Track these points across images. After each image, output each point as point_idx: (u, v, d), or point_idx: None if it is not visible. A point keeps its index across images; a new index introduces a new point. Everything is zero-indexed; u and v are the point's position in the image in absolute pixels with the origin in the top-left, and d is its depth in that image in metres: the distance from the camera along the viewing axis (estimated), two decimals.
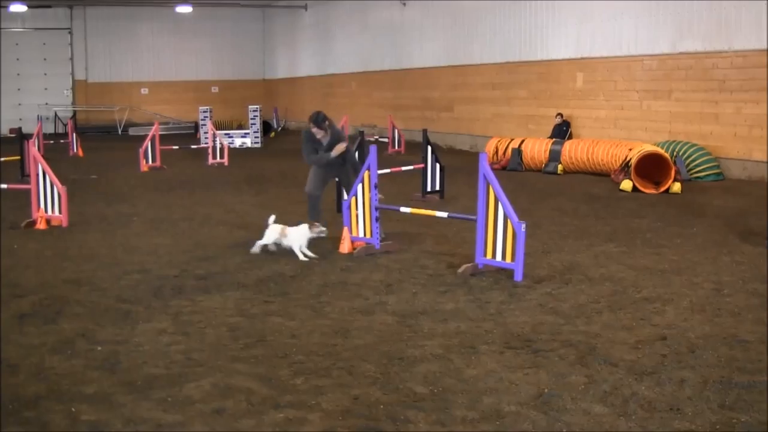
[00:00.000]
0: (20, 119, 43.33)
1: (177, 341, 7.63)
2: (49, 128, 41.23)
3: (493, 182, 9.54)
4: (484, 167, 9.59)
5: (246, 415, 5.91)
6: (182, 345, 7.51)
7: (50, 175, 13.91)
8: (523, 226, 9.45)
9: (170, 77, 46.87)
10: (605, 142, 20.99)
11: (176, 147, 27.27)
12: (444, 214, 11.29)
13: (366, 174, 11.11)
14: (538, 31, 25.61)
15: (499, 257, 9.75)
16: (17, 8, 42.96)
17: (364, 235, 11.30)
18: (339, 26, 39.21)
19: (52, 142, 31.73)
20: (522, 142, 22.38)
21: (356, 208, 11.32)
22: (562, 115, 24.10)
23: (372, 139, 25.33)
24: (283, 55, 46.70)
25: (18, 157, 21.17)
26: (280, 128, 42.42)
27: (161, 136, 25.02)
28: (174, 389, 6.41)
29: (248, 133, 32.91)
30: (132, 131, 42.67)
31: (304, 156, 12.70)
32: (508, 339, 7.56)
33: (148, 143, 23.97)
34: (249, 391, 6.34)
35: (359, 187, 11.23)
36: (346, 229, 11.43)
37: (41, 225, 13.87)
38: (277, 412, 5.94)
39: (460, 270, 10.06)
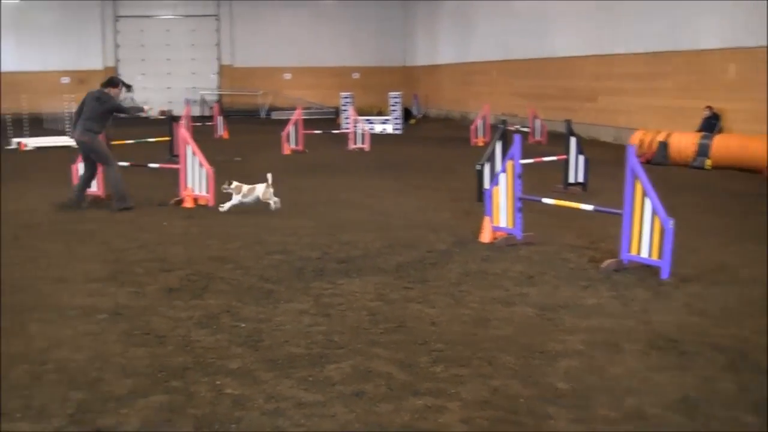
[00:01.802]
0: (169, 102, 44.52)
1: (318, 322, 7.74)
2: (196, 111, 42.04)
3: (641, 176, 9.37)
4: (632, 160, 9.43)
5: (385, 399, 5.95)
6: (323, 326, 7.61)
7: (199, 156, 14.24)
8: (672, 222, 9.24)
9: (312, 63, 47.35)
10: (760, 138, 20.21)
11: (319, 132, 27.56)
12: (589, 207, 11.12)
13: (510, 164, 11.05)
14: (686, 19, 24.93)
15: (644, 253, 9.52)
16: None
17: (507, 225, 11.23)
18: (480, 13, 38.88)
19: (199, 124, 32.40)
20: (668, 135, 21.92)
21: (498, 198, 11.25)
22: (711, 108, 23.44)
23: (513, 128, 25.17)
24: (424, 42, 46.66)
25: (168, 138, 21.71)
26: (420, 115, 42.45)
27: (303, 120, 25.29)
28: (315, 369, 6.50)
29: (389, 120, 33.04)
30: (275, 115, 43.23)
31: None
32: (653, 339, 7.34)
33: (290, 127, 24.32)
34: (388, 375, 6.38)
35: (502, 176, 11.17)
36: (487, 218, 11.38)
37: (188, 203, 14.24)
38: (416, 398, 5.96)
39: (603, 265, 9.87)
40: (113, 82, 14.51)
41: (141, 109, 15.32)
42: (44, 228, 12.79)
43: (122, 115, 15.30)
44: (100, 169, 14.72)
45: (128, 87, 14.74)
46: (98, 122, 14.21)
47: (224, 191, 14.08)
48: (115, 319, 7.88)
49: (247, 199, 14.04)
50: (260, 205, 14.11)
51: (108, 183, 14.48)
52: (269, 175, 14.15)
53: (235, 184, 14.06)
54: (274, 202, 14.10)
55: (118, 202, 14.11)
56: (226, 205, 13.93)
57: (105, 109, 14.20)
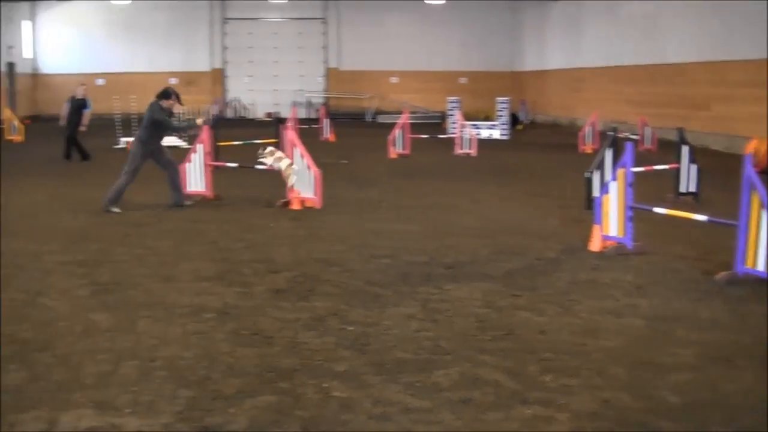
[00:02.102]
0: (275, 104, 44.96)
1: (425, 328, 7.67)
2: (302, 113, 42.37)
3: (759, 186, 9.11)
4: (749, 170, 9.18)
5: (493, 407, 5.85)
6: (430, 332, 7.54)
7: (307, 158, 14.30)
8: None
9: (419, 67, 47.32)
10: None
11: (425, 136, 27.52)
12: (703, 218, 10.83)
13: (621, 172, 10.85)
14: None
15: (761, 267, 9.24)
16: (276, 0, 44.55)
17: (617, 234, 11.03)
18: (589, 19, 38.38)
19: (305, 126, 32.61)
20: None
21: (608, 206, 11.06)
22: None
23: (622, 136, 24.81)
24: (531, 47, 46.25)
25: (275, 140, 21.86)
26: (528, 121, 42.15)
27: (409, 124, 25.26)
28: (422, 375, 6.43)
29: (496, 125, 32.86)
30: (381, 119, 43.35)
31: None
32: None
33: (397, 131, 24.32)
34: (496, 383, 6.29)
35: (613, 184, 10.98)
36: (596, 226, 11.20)
37: (296, 205, 14.30)
38: (524, 407, 5.85)
39: (716, 277, 9.59)
40: (166, 94, 14.60)
41: (192, 125, 15.27)
42: (153, 227, 12.98)
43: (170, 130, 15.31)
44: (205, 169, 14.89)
45: (179, 100, 14.76)
46: (145, 131, 14.46)
47: (260, 157, 14.92)
48: (223, 319, 7.93)
49: (276, 165, 14.74)
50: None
51: (117, 186, 14.60)
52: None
53: (269, 149, 15.06)
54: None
55: (108, 202, 14.38)
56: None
57: (150, 121, 14.34)
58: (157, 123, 14.33)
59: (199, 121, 14.78)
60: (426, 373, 6.47)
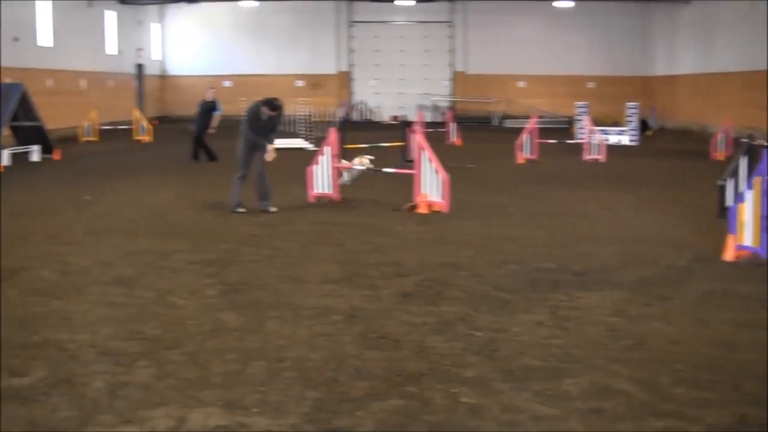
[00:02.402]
0: (401, 107, 45.06)
1: (555, 335, 7.56)
2: (429, 117, 42.33)
3: None
4: None
5: (624, 418, 5.72)
6: (560, 339, 7.43)
7: (434, 162, 14.26)
8: None
9: (546, 71, 46.83)
10: None
11: (553, 141, 27.23)
12: None
13: (758, 180, 10.54)
14: None
15: None
16: (404, 3, 44.61)
17: (752, 244, 10.71)
18: (723, 21, 37.36)
19: (431, 130, 32.58)
20: None
21: (744, 215, 10.75)
22: None
23: (757, 143, 24.16)
24: (661, 51, 45.38)
25: (401, 143, 21.92)
26: (657, 127, 41.39)
27: (537, 129, 25.01)
28: (551, 383, 6.33)
29: (625, 130, 32.36)
30: (507, 123, 43.12)
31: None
32: None
33: (525, 136, 24.13)
34: (627, 393, 6.14)
35: (749, 193, 10.67)
36: (730, 236, 10.89)
37: (423, 209, 14.27)
38: (656, 419, 5.70)
39: None
40: (273, 106, 14.44)
41: (262, 144, 15.25)
42: (280, 228, 13.10)
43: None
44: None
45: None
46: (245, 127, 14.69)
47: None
48: (350, 321, 7.94)
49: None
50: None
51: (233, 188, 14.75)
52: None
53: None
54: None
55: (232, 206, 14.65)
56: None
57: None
58: (248, 121, 14.51)
59: (270, 149, 14.69)
60: (555, 381, 6.37)
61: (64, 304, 8.65)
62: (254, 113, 14.44)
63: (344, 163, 15.51)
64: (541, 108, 43.89)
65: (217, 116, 24.01)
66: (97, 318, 8.13)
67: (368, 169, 15.91)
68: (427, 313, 8.23)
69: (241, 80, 46.00)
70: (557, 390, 6.20)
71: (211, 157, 23.84)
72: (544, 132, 28.67)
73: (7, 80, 27.27)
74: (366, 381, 6.34)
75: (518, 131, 25.74)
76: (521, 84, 47.20)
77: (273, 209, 14.57)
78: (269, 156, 14.50)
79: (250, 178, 14.59)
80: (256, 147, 14.51)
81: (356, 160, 15.91)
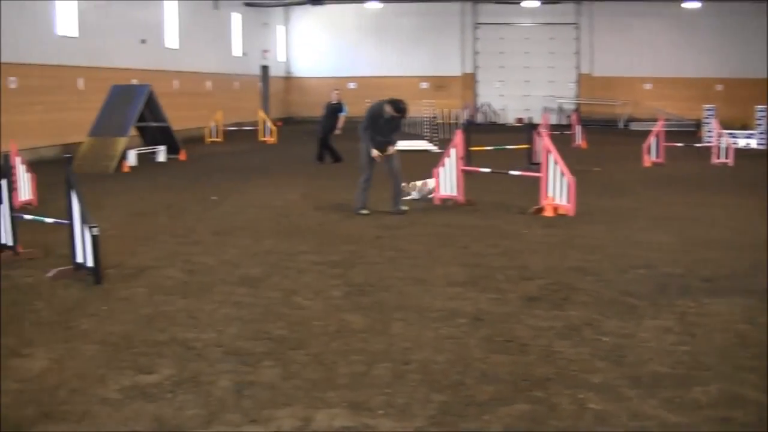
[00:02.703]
0: (527, 110, 44.75)
1: (683, 342, 7.41)
2: (553, 119, 41.98)
3: None
4: None
5: (755, 428, 5.61)
6: (688, 346, 7.28)
7: (561, 165, 14.12)
8: None
9: (673, 73, 45.93)
10: None
11: (680, 144, 26.70)
12: None
13: None
14: None
15: None
16: (529, 4, 44.32)
17: None
18: None
19: (556, 133, 32.29)
20: None
21: None
22: None
23: None
24: None
25: (526, 146, 21.79)
26: None
27: (663, 132, 24.54)
28: (680, 390, 6.22)
29: (753, 134, 31.56)
30: (633, 126, 42.51)
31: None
32: None
33: (651, 139, 23.73)
34: (758, 403, 5.99)
35: None
36: None
37: (549, 212, 14.16)
38: None
39: None
40: (397, 108, 14.48)
41: (368, 150, 15.13)
42: (405, 230, 13.14)
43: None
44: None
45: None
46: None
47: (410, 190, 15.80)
48: (476, 325, 7.92)
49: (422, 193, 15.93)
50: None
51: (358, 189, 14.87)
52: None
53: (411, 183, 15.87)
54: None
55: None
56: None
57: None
58: (370, 119, 14.53)
59: (374, 153, 14.68)
60: (684, 389, 6.25)
61: (191, 303, 8.82)
62: (377, 111, 14.48)
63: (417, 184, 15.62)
64: (667, 111, 43.10)
65: (342, 117, 24.20)
66: (223, 317, 8.27)
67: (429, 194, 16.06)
68: (554, 317, 8.16)
69: (365, 82, 46.30)
70: (686, 398, 6.08)
71: (336, 158, 24.03)
72: (670, 135, 28.15)
73: (134, 81, 27.99)
74: (492, 385, 6.32)
75: (644, 134, 25.35)
76: (647, 86, 46.39)
77: (404, 208, 14.66)
78: (390, 151, 14.57)
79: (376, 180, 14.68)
80: (378, 148, 14.53)
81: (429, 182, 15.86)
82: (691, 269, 10.28)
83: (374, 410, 5.89)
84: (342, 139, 24.44)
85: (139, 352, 7.19)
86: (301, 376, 6.56)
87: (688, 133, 36.53)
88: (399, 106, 14.44)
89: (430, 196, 15.86)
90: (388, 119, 14.45)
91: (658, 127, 24.06)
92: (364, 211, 14.48)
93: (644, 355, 7.04)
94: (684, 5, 43.07)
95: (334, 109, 24.18)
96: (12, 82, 23.51)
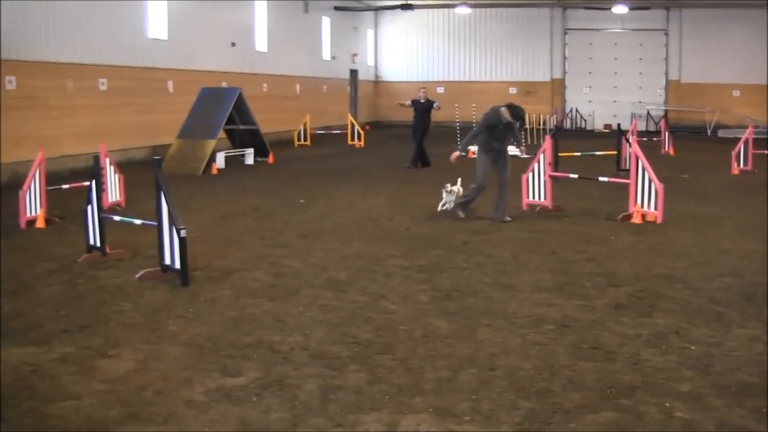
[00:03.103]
0: (614, 116, 44.32)
1: None
2: (642, 126, 41.51)
3: None
4: None
5: None
6: None
7: (649, 172, 13.99)
8: None
9: (762, 80, 44.99)
10: None
11: None
12: None
13: None
14: None
15: None
16: (619, 10, 43.89)
17: None
18: None
19: (644, 139, 31.94)
20: None
21: None
22: None
23: None
24: None
25: (614, 152, 21.61)
26: None
27: (752, 139, 24.09)
28: None
29: None
30: (721, 133, 41.86)
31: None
32: None
33: (740, 146, 23.36)
34: None
35: None
36: None
37: (637, 219, 14.05)
38: None
39: None
40: (515, 113, 14.31)
41: (465, 148, 15.09)
42: (493, 235, 13.13)
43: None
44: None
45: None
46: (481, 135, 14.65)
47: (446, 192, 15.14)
48: (563, 331, 7.91)
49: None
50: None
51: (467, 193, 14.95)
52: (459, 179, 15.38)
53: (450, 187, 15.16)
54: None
55: (457, 206, 14.93)
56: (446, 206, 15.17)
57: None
58: (485, 125, 14.39)
59: (454, 156, 14.77)
60: None
61: (277, 306, 8.91)
62: (494, 117, 14.31)
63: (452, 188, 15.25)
64: (756, 118, 42.36)
65: (436, 109, 24.09)
66: (310, 321, 8.35)
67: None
68: (641, 324, 8.12)
69: (454, 86, 46.35)
70: None
71: (425, 162, 23.99)
72: (759, 143, 27.65)
73: (223, 84, 28.33)
74: (579, 392, 6.32)
75: (732, 141, 24.93)
76: (736, 93, 45.57)
77: (508, 219, 14.47)
78: (521, 152, 14.99)
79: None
80: (498, 157, 14.45)
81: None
82: None
83: (460, 416, 5.91)
84: (429, 143, 24.44)
85: (225, 355, 7.29)
86: (387, 381, 6.61)
87: None
88: (518, 113, 14.31)
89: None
90: (505, 125, 14.33)
91: (746, 134, 23.67)
92: (461, 213, 14.64)
93: (732, 364, 6.97)
94: None
95: (425, 108, 24.03)
96: (102, 84, 23.93)
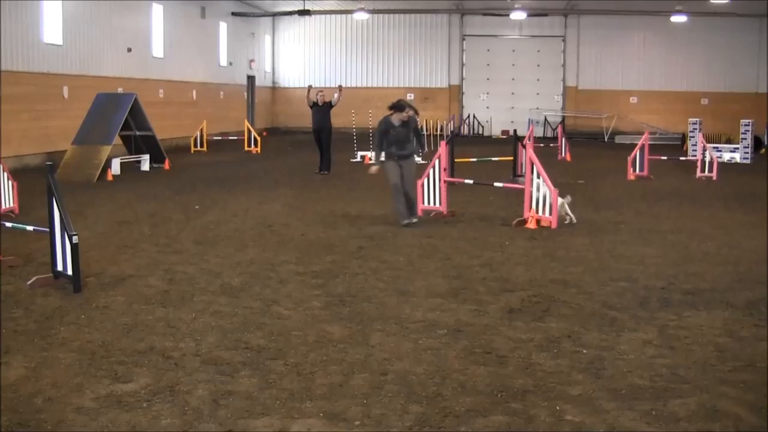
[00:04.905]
0: (512, 122, 44.80)
1: (662, 354, 7.40)
2: (539, 132, 42.07)
3: None
4: None
5: None
6: (668, 359, 7.27)
7: (544, 178, 14.10)
8: None
9: (659, 87, 46.07)
10: None
11: (665, 158, 26.71)
12: None
13: None
14: None
15: None
16: (517, 16, 44.40)
17: None
18: None
19: (541, 145, 32.39)
20: None
21: None
22: None
23: None
24: None
25: (510, 158, 21.78)
26: None
27: (648, 145, 24.51)
28: (658, 403, 6.21)
29: (738, 148, 31.66)
30: (618, 139, 42.59)
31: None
32: None
33: (636, 152, 23.75)
34: (736, 417, 5.99)
35: None
36: None
37: (531, 224, 14.16)
38: None
39: None
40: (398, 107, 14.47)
41: (377, 159, 15.14)
42: (388, 241, 13.11)
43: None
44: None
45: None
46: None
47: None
48: (456, 336, 7.90)
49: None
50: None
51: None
52: None
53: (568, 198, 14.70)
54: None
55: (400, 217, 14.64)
56: None
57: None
58: (380, 134, 14.42)
59: (372, 169, 14.74)
60: (662, 402, 6.24)
61: (170, 312, 8.80)
62: (386, 123, 14.34)
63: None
64: (652, 124, 43.22)
65: (337, 100, 24.03)
66: (203, 326, 8.25)
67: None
68: (534, 329, 8.14)
69: (352, 93, 46.29)
70: (664, 411, 6.07)
71: (324, 167, 23.82)
72: (655, 148, 28.22)
73: (119, 90, 27.94)
74: (470, 396, 6.30)
75: (629, 147, 25.34)
76: (633, 99, 46.47)
77: (414, 219, 14.57)
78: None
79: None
80: (401, 162, 14.41)
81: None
82: (672, 282, 10.30)
83: (351, 421, 5.86)
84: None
85: (117, 361, 7.16)
86: (278, 386, 6.54)
87: (674, 146, 36.73)
88: (396, 105, 14.41)
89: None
90: (398, 128, 14.32)
91: (642, 140, 24.09)
92: (407, 221, 14.45)
93: (623, 367, 7.03)
94: (672, 19, 43.09)
95: (324, 109, 23.86)
96: None
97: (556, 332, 8.03)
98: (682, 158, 28.44)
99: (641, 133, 26.39)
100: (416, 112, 14.63)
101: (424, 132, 29.62)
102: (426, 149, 20.97)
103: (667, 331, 8.13)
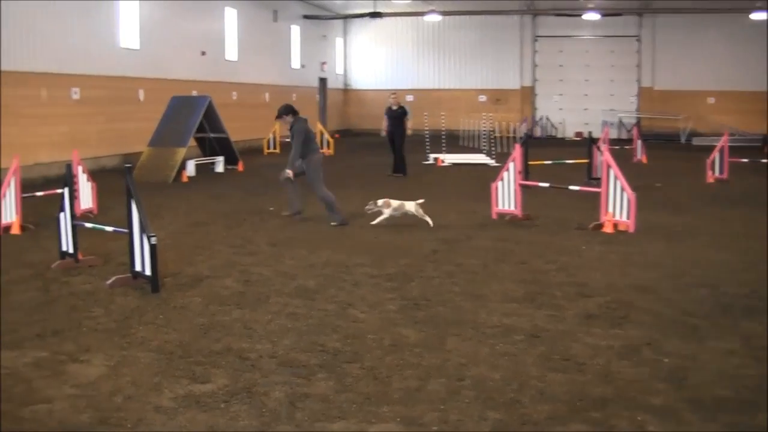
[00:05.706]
0: (586, 123, 44.41)
1: (747, 365, 7.19)
2: (613, 134, 41.59)
3: None
4: None
5: None
6: (753, 370, 7.06)
7: (621, 181, 13.88)
8: None
9: (737, 87, 45.15)
10: None
11: (745, 160, 26.18)
12: None
13: None
14: None
15: None
16: (590, 17, 44.00)
17: None
18: None
19: (616, 147, 31.95)
20: None
21: None
22: None
23: None
24: None
25: (586, 161, 21.52)
26: None
27: (728, 147, 24.02)
28: (743, 416, 6.05)
29: None
30: (695, 141, 41.95)
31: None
32: None
33: (716, 154, 23.31)
34: None
35: None
36: None
37: (608, 228, 13.95)
38: None
39: None
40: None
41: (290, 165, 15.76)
42: (462, 244, 13.01)
43: None
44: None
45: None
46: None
47: (368, 212, 14.95)
48: (533, 342, 7.79)
49: (396, 213, 14.80)
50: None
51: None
52: (421, 201, 15.01)
53: (381, 201, 14.86)
54: (427, 220, 14.63)
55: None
56: (377, 220, 14.86)
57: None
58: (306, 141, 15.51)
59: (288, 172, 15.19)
60: (748, 415, 6.07)
61: (246, 314, 8.83)
62: (306, 127, 15.60)
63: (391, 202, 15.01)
64: (731, 125, 42.47)
65: (408, 120, 23.91)
66: (278, 328, 8.27)
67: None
68: (613, 336, 8.00)
69: (423, 95, 46.34)
70: (749, 424, 5.92)
71: (401, 170, 23.79)
72: (735, 150, 27.70)
73: (194, 93, 28.20)
74: (548, 404, 6.20)
75: (707, 149, 24.91)
76: (711, 100, 45.69)
77: (333, 223, 15.00)
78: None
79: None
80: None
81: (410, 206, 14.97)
82: (755, 289, 10.01)
83: (427, 426, 5.81)
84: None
85: (194, 362, 7.22)
86: (354, 390, 6.51)
87: (754, 148, 35.93)
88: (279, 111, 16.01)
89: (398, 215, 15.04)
90: (292, 134, 15.53)
91: (722, 141, 23.62)
92: (332, 222, 15.03)
93: (706, 377, 6.85)
94: (751, 16, 42.22)
95: (398, 115, 23.85)
96: (75, 93, 23.81)
97: (635, 339, 7.87)
98: (764, 160, 27.85)
99: (719, 135, 25.89)
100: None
101: (497, 134, 29.39)
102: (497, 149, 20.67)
103: (752, 342, 7.89)
